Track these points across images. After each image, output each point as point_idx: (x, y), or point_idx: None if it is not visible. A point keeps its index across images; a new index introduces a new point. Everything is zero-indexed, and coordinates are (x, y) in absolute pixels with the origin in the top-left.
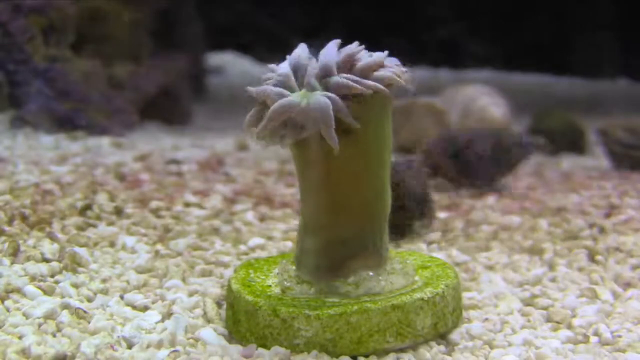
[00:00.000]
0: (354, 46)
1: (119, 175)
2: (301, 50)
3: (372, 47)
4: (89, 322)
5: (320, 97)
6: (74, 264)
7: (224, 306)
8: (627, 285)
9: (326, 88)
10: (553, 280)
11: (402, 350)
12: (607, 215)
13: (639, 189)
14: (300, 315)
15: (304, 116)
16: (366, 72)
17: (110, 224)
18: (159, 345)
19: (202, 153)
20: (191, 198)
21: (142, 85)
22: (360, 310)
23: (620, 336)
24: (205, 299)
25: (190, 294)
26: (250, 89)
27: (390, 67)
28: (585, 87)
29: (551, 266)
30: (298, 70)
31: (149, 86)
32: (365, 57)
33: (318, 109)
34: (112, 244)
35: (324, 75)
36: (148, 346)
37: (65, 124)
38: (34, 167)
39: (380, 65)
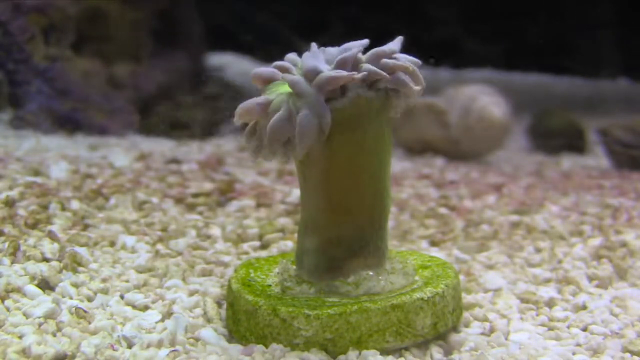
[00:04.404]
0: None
1: (119, 175)
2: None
3: (372, 47)
4: (89, 322)
5: (304, 116)
6: (74, 264)
7: (224, 306)
8: (627, 284)
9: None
10: (553, 279)
11: (402, 350)
12: (608, 215)
13: (639, 189)
14: (299, 315)
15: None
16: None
17: (111, 223)
18: (159, 344)
19: (202, 152)
20: (191, 198)
21: (142, 85)
22: (360, 310)
23: (620, 334)
24: (205, 298)
25: (191, 294)
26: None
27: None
28: (585, 87)
29: (551, 265)
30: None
31: (149, 86)
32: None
33: (304, 125)
34: (112, 244)
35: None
36: (148, 346)
37: (65, 123)
38: (34, 167)
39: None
